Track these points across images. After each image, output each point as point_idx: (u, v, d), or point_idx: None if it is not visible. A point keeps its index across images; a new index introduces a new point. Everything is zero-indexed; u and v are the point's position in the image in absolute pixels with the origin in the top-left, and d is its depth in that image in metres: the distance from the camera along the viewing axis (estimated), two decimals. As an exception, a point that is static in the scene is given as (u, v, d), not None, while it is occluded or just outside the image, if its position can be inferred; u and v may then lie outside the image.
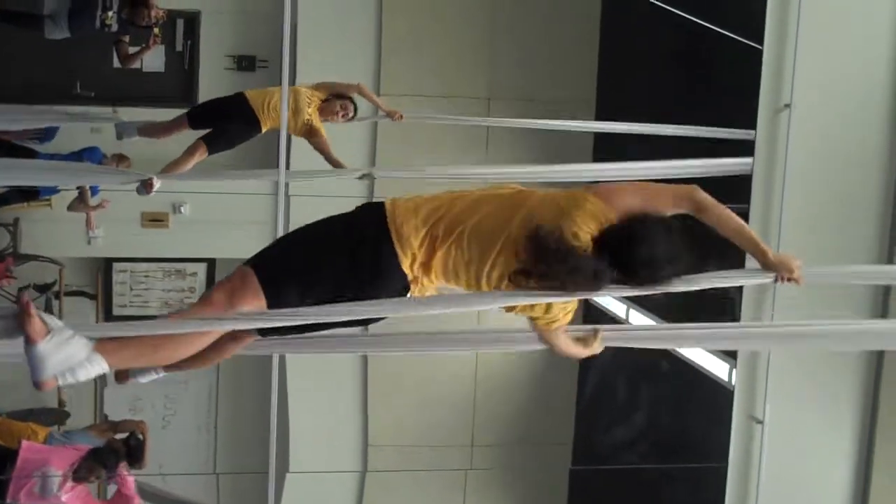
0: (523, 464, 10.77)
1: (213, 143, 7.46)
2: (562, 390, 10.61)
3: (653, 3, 7.24)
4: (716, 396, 7.48)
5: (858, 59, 6.32)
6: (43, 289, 9.99)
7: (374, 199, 9.66)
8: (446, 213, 3.33)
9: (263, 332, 3.52)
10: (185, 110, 7.92)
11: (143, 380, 4.00)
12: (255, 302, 3.28)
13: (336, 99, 7.62)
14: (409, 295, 3.40)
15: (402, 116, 7.70)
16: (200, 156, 7.40)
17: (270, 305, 3.28)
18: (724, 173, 6.46)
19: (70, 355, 2.93)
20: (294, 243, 3.42)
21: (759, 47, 6.41)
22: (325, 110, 7.58)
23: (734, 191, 6.64)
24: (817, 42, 6.25)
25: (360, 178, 7.39)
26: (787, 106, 6.22)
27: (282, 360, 7.50)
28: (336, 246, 3.33)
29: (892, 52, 6.28)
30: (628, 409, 9.74)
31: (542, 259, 3.09)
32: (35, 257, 9.82)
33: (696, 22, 7.11)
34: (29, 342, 2.88)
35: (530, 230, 3.15)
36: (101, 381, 10.86)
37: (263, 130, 7.53)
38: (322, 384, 10.19)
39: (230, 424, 11.29)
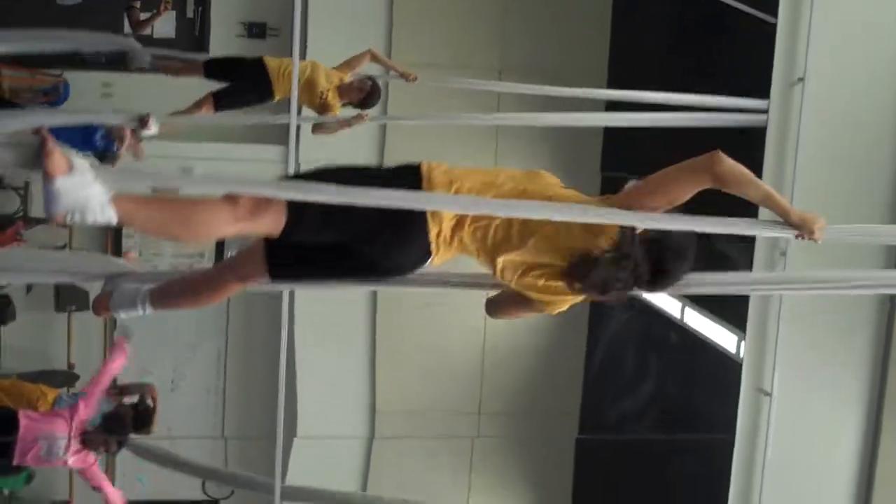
0: (530, 432, 10.82)
1: (222, 100, 7.42)
2: (569, 360, 10.65)
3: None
4: (724, 368, 7.50)
5: (872, 35, 6.31)
6: (53, 252, 10.02)
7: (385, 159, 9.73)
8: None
9: (274, 275, 3.51)
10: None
11: (125, 314, 3.85)
12: (277, 217, 3.28)
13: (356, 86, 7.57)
14: (428, 263, 3.43)
15: (416, 77, 7.66)
16: (206, 110, 7.37)
17: (291, 223, 3.29)
18: (738, 125, 6.48)
19: (86, 197, 2.89)
20: (329, 176, 3.33)
21: (774, 20, 6.40)
22: (345, 93, 7.53)
23: (748, 147, 6.68)
24: (831, 16, 6.25)
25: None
26: (801, 80, 6.22)
27: (290, 324, 7.53)
28: None
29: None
30: (636, 380, 9.77)
31: (580, 279, 3.26)
32: (45, 220, 9.84)
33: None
34: (47, 177, 2.83)
35: (572, 260, 3.27)
36: (109, 343, 10.91)
37: (276, 98, 7.52)
38: (330, 350, 10.24)
39: (238, 388, 11.33)
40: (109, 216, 2.96)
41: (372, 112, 7.72)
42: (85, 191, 2.88)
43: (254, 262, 3.51)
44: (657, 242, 3.26)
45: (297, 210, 3.26)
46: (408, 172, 3.41)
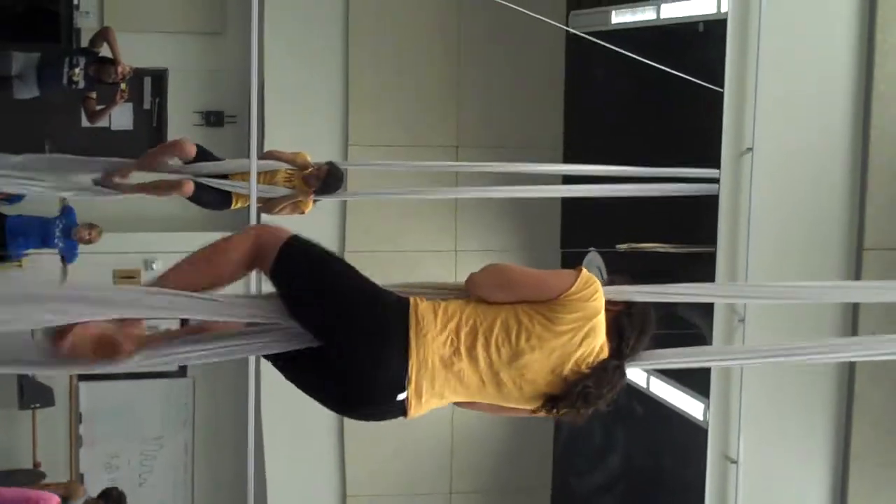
0: (503, 510, 10.75)
1: (198, 191, 7.35)
2: (538, 435, 10.61)
3: (616, 50, 7.34)
4: (692, 436, 7.50)
5: (818, 102, 6.44)
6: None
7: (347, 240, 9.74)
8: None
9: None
10: None
11: None
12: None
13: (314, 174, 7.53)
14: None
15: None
16: (184, 187, 7.28)
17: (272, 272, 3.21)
18: (692, 194, 6.56)
19: None
20: (330, 272, 3.26)
21: (721, 90, 6.51)
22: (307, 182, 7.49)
23: (702, 214, 6.76)
24: (777, 86, 6.36)
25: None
26: (749, 149, 6.32)
27: (257, 412, 7.49)
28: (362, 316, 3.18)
29: (852, 95, 6.41)
30: (605, 452, 9.74)
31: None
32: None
33: (658, 67, 7.21)
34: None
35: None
36: (76, 441, 10.79)
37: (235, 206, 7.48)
38: (298, 436, 10.15)
39: (207, 480, 11.20)
40: None
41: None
42: None
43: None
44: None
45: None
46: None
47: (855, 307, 6.34)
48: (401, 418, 3.27)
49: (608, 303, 3.28)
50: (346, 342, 3.13)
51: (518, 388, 3.24)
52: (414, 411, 3.23)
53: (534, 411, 3.31)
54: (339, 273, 3.25)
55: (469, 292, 3.31)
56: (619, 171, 7.15)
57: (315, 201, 7.38)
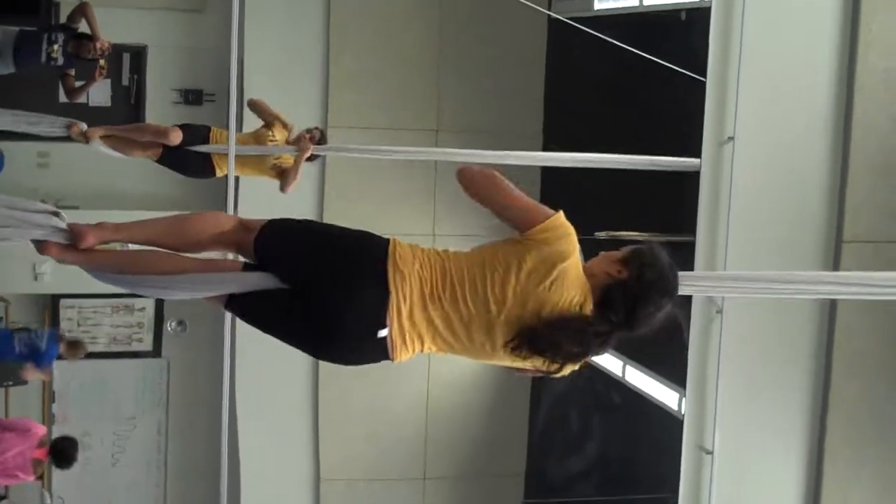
0: (476, 497, 10.73)
1: (179, 153, 7.29)
2: (513, 422, 10.61)
3: (598, 36, 7.31)
4: (668, 426, 7.50)
5: (800, 93, 6.42)
6: (-12, 325, 9.88)
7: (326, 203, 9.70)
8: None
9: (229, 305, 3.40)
10: None
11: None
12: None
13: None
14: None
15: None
16: (153, 150, 7.23)
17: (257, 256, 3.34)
18: (673, 168, 6.52)
19: None
20: (313, 239, 3.34)
21: (703, 80, 6.48)
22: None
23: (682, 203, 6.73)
24: (759, 75, 6.34)
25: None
26: (731, 139, 6.29)
27: (232, 394, 7.43)
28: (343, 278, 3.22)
29: (834, 87, 6.39)
30: (580, 440, 9.75)
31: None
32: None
33: (641, 55, 7.18)
34: None
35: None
36: (49, 419, 10.73)
37: (219, 174, 7.44)
38: (273, 419, 10.12)
39: (180, 462, 11.16)
40: None
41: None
42: None
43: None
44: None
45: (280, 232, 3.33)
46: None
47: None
48: (386, 362, 3.28)
49: (611, 270, 3.20)
50: (326, 278, 3.18)
51: (491, 338, 3.19)
52: (399, 353, 3.24)
53: (504, 345, 3.18)
54: (320, 224, 3.47)
55: (459, 178, 3.34)
56: (598, 158, 7.09)
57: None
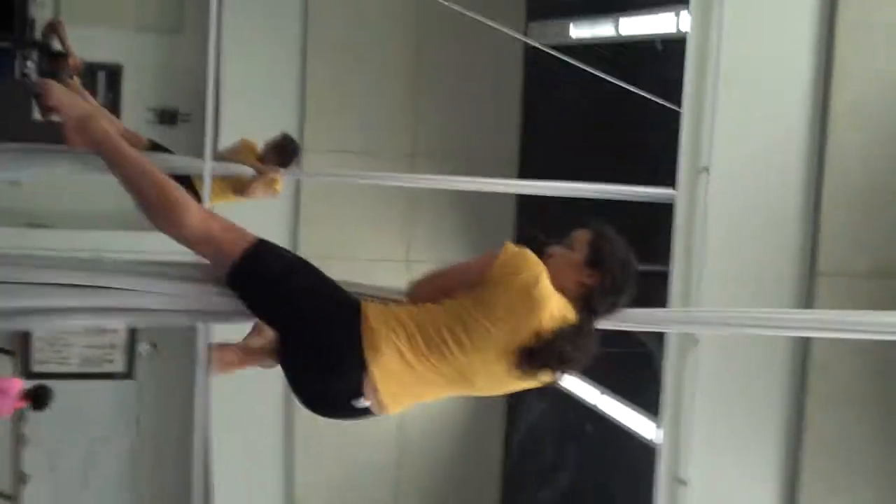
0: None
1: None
2: (487, 451, 10.58)
3: (574, 64, 7.31)
4: (643, 456, 7.48)
5: (775, 125, 6.44)
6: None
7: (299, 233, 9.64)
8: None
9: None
10: None
11: None
12: (240, 242, 3.23)
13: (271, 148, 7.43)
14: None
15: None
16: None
17: (229, 276, 3.21)
18: (649, 199, 6.52)
19: None
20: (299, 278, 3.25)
21: (679, 110, 6.49)
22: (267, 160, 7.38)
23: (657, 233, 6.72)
24: (735, 105, 6.35)
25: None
26: (706, 168, 6.30)
27: (205, 417, 7.36)
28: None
29: (809, 116, 6.41)
30: (554, 470, 9.71)
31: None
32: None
33: (618, 84, 7.18)
34: None
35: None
36: (20, 439, 10.63)
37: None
38: (246, 444, 10.05)
39: (153, 484, 11.07)
40: None
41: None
42: None
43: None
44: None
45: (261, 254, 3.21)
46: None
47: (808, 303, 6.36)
48: (376, 417, 3.26)
49: (581, 278, 3.21)
50: (300, 355, 3.16)
51: (491, 378, 3.20)
52: (392, 409, 3.21)
53: (508, 373, 3.18)
54: (296, 289, 3.22)
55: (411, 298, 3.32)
56: (574, 188, 7.07)
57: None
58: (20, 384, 8.89)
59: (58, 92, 3.65)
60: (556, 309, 3.14)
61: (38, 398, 9.03)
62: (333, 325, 3.14)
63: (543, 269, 3.15)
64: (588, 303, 3.20)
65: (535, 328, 3.10)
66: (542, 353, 3.10)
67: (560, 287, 3.18)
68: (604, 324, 3.29)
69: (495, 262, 3.16)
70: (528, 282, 3.10)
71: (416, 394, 3.22)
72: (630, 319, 3.37)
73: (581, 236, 3.31)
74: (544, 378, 3.19)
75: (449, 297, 3.21)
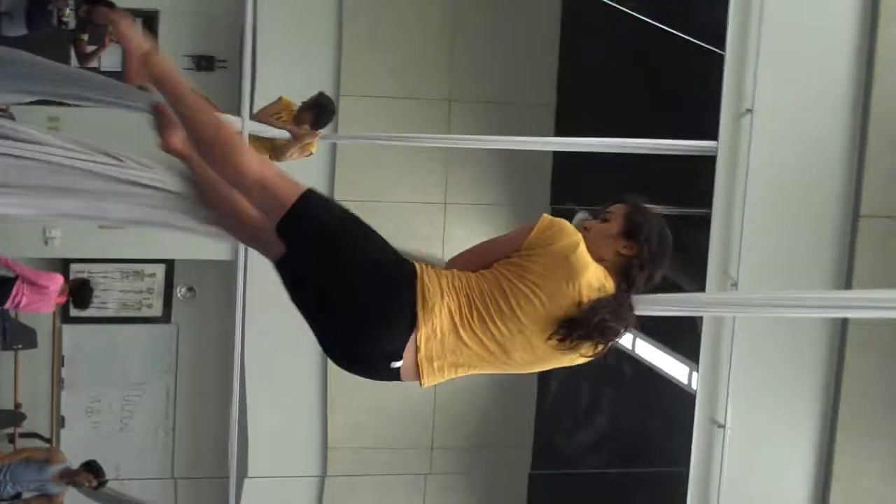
0: (483, 468, 10.75)
1: None
2: (522, 394, 10.60)
3: (613, 7, 7.24)
4: (678, 400, 7.49)
5: (820, 66, 6.36)
6: (-2, 289, 9.88)
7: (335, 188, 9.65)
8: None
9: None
10: None
11: None
12: (293, 190, 3.23)
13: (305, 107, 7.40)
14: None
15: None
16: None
17: (282, 222, 3.20)
18: (689, 153, 6.47)
19: None
20: (347, 228, 3.24)
21: (722, 52, 6.42)
22: (300, 119, 7.36)
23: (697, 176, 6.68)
24: (779, 48, 6.28)
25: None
26: (749, 111, 6.24)
27: (242, 362, 7.43)
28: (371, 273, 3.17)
29: (854, 57, 6.32)
30: (589, 414, 9.74)
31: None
32: (-11, 258, 9.68)
33: (657, 26, 7.11)
34: None
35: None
36: (58, 384, 10.75)
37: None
38: (281, 387, 10.12)
39: (188, 428, 11.19)
40: None
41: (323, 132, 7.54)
42: None
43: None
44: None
45: (296, 218, 3.19)
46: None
47: (850, 268, 6.30)
48: (410, 383, 3.28)
49: (619, 248, 3.25)
50: (350, 303, 3.14)
51: (530, 350, 3.21)
52: (427, 378, 3.23)
53: (548, 338, 3.20)
54: (349, 246, 3.20)
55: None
56: (611, 143, 7.02)
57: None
58: (61, 280, 8.83)
59: (127, 23, 3.64)
60: (594, 278, 3.16)
61: (79, 294, 9.02)
62: (391, 280, 3.15)
63: (581, 239, 3.18)
64: (626, 274, 3.25)
65: (574, 297, 3.13)
66: (582, 322, 3.12)
67: (598, 258, 3.22)
68: (645, 310, 3.32)
69: (533, 232, 3.19)
70: (566, 248, 3.14)
71: (451, 362, 3.22)
72: (671, 304, 3.43)
73: (617, 210, 3.35)
74: (584, 351, 3.20)
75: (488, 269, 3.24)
